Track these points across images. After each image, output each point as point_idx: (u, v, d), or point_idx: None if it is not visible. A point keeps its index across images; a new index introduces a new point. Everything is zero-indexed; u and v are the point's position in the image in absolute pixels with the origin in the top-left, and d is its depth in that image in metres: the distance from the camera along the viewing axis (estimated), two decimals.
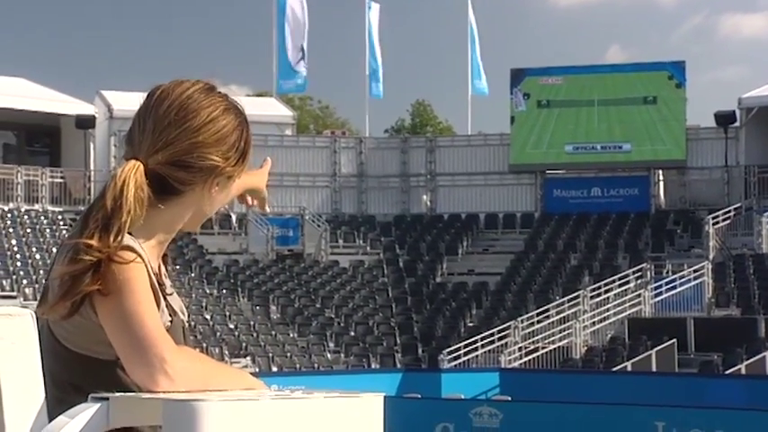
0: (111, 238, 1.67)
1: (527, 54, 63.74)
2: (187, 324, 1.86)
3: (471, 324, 23.08)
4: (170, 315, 1.77)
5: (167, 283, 1.82)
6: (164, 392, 1.59)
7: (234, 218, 26.90)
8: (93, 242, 1.66)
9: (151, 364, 1.61)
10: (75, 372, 1.73)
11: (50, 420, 1.60)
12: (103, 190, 1.71)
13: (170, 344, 1.64)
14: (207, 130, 1.74)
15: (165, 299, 1.76)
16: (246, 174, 1.87)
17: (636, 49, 67.90)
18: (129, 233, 1.70)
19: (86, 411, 1.55)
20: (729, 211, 25.15)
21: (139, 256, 1.70)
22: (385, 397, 1.63)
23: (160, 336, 1.64)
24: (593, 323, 21.83)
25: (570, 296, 22.39)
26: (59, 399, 1.70)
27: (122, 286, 1.66)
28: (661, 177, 27.77)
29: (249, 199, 2.11)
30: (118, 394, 1.58)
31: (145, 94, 1.78)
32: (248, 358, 20.77)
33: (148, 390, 1.62)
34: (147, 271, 1.70)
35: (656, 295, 22.25)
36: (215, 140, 1.75)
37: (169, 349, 1.63)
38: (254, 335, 22.17)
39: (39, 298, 1.80)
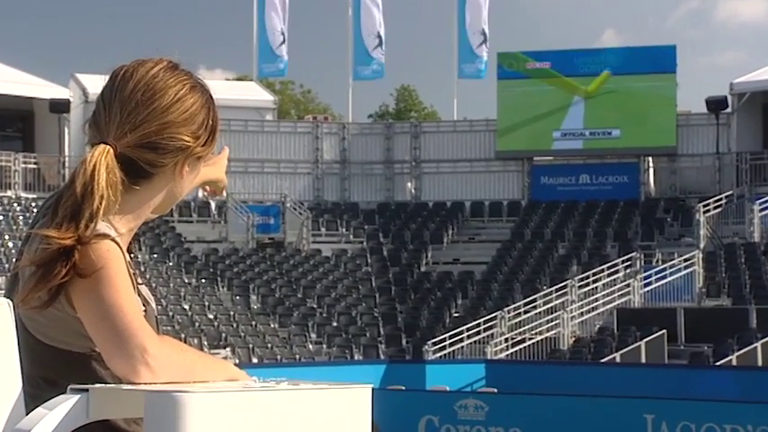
0: (83, 226, 1.63)
1: (519, 37, 63.39)
2: (156, 313, 1.81)
3: (456, 314, 22.86)
4: (144, 304, 1.72)
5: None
6: (145, 384, 1.56)
7: (213, 205, 26.63)
8: (63, 230, 1.63)
9: (132, 356, 1.58)
10: (48, 366, 1.69)
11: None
12: (72, 176, 1.68)
13: (151, 334, 1.61)
14: (175, 109, 1.72)
15: (137, 287, 1.72)
16: (205, 162, 1.82)
17: (631, 33, 67.74)
18: (103, 220, 1.67)
19: (65, 403, 1.51)
20: (721, 199, 24.96)
21: (116, 243, 1.66)
22: (374, 389, 1.59)
23: (140, 326, 1.61)
24: (582, 313, 21.68)
25: (558, 286, 22.22)
26: (32, 395, 1.65)
27: (100, 275, 1.63)
28: (651, 164, 27.62)
29: (207, 188, 2.06)
30: (98, 386, 1.54)
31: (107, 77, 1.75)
32: (228, 349, 20.46)
33: (129, 381, 1.58)
34: (124, 258, 1.67)
35: (646, 285, 22.10)
36: (184, 120, 1.72)
37: (150, 339, 1.60)
38: (234, 325, 21.87)
39: (6, 288, 1.75)
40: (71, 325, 1.67)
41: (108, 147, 1.68)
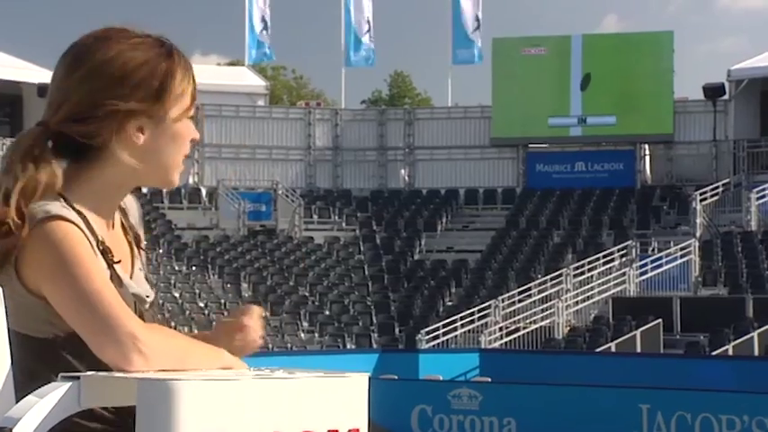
0: (12, 207, 1.59)
1: (518, 23, 63.02)
2: (148, 299, 1.74)
3: (450, 303, 22.72)
4: (116, 287, 1.65)
5: (140, 256, 1.77)
6: (137, 371, 1.53)
7: (204, 192, 26.47)
8: None
9: (122, 343, 1.55)
10: (23, 353, 1.62)
11: None
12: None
13: (137, 320, 1.58)
14: (101, 72, 1.64)
15: (111, 267, 1.65)
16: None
17: (633, 19, 67.47)
18: (70, 203, 1.63)
19: (56, 391, 1.49)
20: (717, 187, 24.92)
21: (73, 223, 1.61)
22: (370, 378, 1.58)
23: (124, 311, 1.57)
24: (577, 302, 21.54)
25: (553, 274, 22.09)
26: (21, 383, 1.60)
27: (67, 261, 1.58)
28: (647, 152, 27.54)
29: None
30: (89, 373, 1.52)
31: None
32: None
33: (121, 369, 1.54)
34: (87, 238, 1.62)
35: (642, 274, 22.00)
36: (109, 83, 1.64)
37: (138, 326, 1.57)
38: (225, 313, 21.65)
39: None
40: (34, 310, 1.63)
41: (33, 128, 1.66)
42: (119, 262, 1.69)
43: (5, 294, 1.60)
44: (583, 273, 22.05)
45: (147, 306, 1.74)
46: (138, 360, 1.55)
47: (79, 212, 1.65)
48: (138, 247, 1.78)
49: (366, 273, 24.27)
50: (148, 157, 1.68)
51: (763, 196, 23.77)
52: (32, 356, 1.64)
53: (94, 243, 1.65)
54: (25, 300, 1.63)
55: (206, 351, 1.64)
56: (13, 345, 1.64)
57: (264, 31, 28.64)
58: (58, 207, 1.62)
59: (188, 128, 1.71)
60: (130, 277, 1.72)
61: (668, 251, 22.22)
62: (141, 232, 1.82)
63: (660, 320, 19.36)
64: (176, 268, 23.29)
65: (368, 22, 28.80)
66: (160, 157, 1.70)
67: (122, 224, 1.78)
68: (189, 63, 1.72)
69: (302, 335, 21.46)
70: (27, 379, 1.58)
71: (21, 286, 1.62)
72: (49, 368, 1.60)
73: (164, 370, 1.54)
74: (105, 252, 1.66)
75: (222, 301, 22.29)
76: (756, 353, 18.01)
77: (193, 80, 1.72)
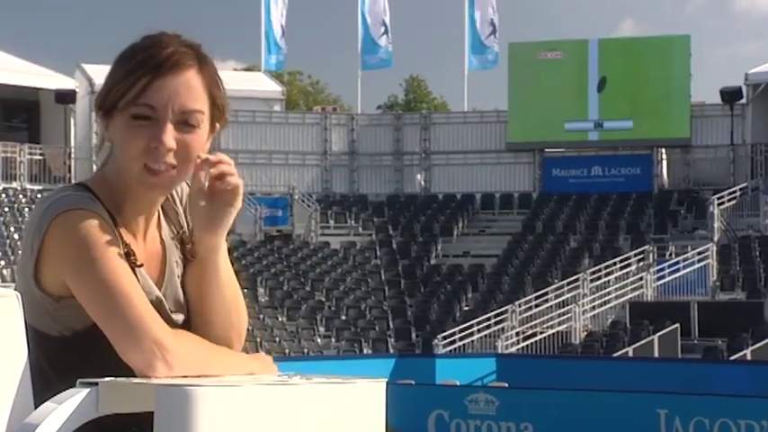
0: None
1: (536, 27, 62.98)
2: (172, 313, 1.68)
3: (467, 308, 22.68)
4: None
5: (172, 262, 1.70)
6: (160, 378, 1.53)
7: None
8: None
9: (149, 350, 1.54)
10: (38, 351, 1.61)
11: None
12: None
13: (163, 325, 1.57)
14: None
15: (132, 271, 1.61)
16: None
17: (649, 23, 67.30)
18: (100, 200, 1.62)
19: (74, 397, 1.48)
20: (735, 191, 24.84)
21: (99, 215, 1.58)
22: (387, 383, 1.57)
23: (151, 316, 1.56)
24: (594, 307, 21.48)
25: (569, 279, 22.03)
26: (37, 384, 1.60)
27: (91, 254, 1.55)
28: (664, 156, 27.45)
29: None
30: (107, 379, 1.50)
31: None
32: None
33: (144, 375, 1.54)
34: (111, 230, 1.59)
35: (659, 278, 21.92)
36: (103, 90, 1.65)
37: (166, 333, 1.56)
38: None
39: None
40: (43, 306, 1.61)
41: None
42: (141, 266, 1.65)
43: (20, 289, 1.59)
44: (600, 277, 22.00)
45: (180, 323, 1.69)
46: (161, 367, 1.54)
47: (107, 211, 1.63)
48: (185, 256, 1.72)
49: (382, 278, 24.27)
50: (116, 155, 1.66)
51: None
52: (39, 352, 1.62)
53: (120, 242, 1.62)
54: (35, 294, 1.61)
55: (230, 358, 1.64)
56: (31, 342, 1.61)
57: (283, 38, 28.75)
58: (82, 199, 1.60)
59: (130, 127, 1.61)
60: (159, 289, 1.68)
61: (686, 255, 22.13)
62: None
63: (678, 325, 19.26)
64: None
65: (384, 24, 28.83)
66: (116, 155, 1.66)
67: (161, 237, 1.73)
68: (158, 58, 1.61)
69: (319, 340, 21.47)
70: (32, 373, 1.57)
71: (33, 281, 1.60)
72: (52, 365, 1.59)
73: (185, 376, 1.53)
74: (128, 255, 1.63)
75: None
76: None
77: (151, 75, 1.60)
